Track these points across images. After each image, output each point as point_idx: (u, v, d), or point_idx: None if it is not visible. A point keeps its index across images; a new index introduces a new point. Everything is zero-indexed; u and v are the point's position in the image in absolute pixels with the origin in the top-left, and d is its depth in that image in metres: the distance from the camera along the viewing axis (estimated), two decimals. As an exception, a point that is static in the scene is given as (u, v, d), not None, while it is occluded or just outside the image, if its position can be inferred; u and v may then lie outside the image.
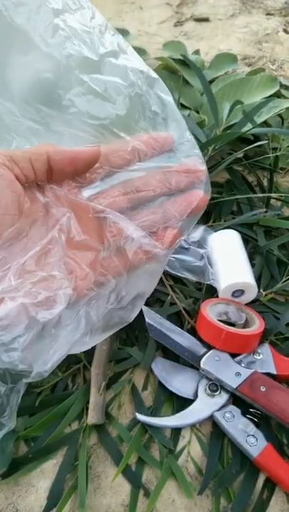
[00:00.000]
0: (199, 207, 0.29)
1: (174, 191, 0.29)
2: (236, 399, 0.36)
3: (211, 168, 0.52)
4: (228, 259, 0.42)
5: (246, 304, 0.41)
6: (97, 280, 0.26)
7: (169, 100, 0.30)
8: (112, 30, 0.30)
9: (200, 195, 0.29)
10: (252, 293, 0.40)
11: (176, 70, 0.67)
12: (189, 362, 0.38)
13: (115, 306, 0.28)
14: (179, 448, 0.35)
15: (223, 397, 0.36)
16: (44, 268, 0.24)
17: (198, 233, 0.47)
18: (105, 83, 0.28)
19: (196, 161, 0.29)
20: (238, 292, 0.40)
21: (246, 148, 0.50)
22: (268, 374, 0.36)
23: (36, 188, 0.25)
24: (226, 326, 0.37)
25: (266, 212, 0.50)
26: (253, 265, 0.45)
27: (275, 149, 0.57)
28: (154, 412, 0.37)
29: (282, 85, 0.66)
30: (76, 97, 0.28)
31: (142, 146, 0.28)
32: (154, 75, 0.30)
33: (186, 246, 0.46)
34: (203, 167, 0.30)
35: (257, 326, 0.37)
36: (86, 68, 0.28)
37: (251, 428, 0.34)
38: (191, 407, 0.36)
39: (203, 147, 0.49)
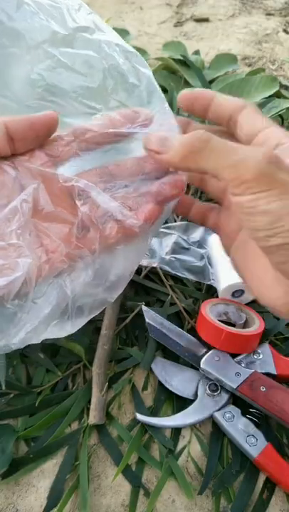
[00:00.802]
0: (173, 185, 0.28)
1: (149, 173, 0.28)
2: (236, 399, 0.36)
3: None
4: (228, 260, 0.42)
5: (246, 304, 0.41)
6: (70, 253, 0.26)
7: (148, 73, 0.29)
8: (87, 10, 0.29)
9: (175, 176, 0.28)
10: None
11: (176, 70, 0.67)
12: (189, 362, 0.38)
13: (92, 280, 0.28)
14: (179, 448, 0.35)
15: (223, 397, 0.36)
16: (3, 238, 0.24)
17: (198, 233, 0.47)
18: (77, 56, 0.28)
19: (169, 121, 0.29)
20: (238, 292, 0.40)
21: (246, 149, 0.50)
22: (268, 374, 0.36)
23: (6, 162, 0.25)
24: (226, 326, 0.37)
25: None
26: (253, 265, 0.45)
27: (275, 149, 0.57)
28: (154, 412, 0.37)
29: (282, 85, 0.66)
30: (45, 71, 0.28)
31: (117, 116, 0.28)
32: (131, 49, 0.29)
33: (186, 246, 0.46)
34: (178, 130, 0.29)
35: (257, 326, 0.37)
36: (56, 42, 0.28)
37: (251, 428, 0.34)
38: (191, 407, 0.36)
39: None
